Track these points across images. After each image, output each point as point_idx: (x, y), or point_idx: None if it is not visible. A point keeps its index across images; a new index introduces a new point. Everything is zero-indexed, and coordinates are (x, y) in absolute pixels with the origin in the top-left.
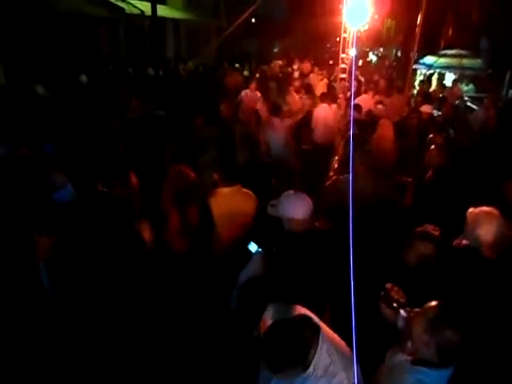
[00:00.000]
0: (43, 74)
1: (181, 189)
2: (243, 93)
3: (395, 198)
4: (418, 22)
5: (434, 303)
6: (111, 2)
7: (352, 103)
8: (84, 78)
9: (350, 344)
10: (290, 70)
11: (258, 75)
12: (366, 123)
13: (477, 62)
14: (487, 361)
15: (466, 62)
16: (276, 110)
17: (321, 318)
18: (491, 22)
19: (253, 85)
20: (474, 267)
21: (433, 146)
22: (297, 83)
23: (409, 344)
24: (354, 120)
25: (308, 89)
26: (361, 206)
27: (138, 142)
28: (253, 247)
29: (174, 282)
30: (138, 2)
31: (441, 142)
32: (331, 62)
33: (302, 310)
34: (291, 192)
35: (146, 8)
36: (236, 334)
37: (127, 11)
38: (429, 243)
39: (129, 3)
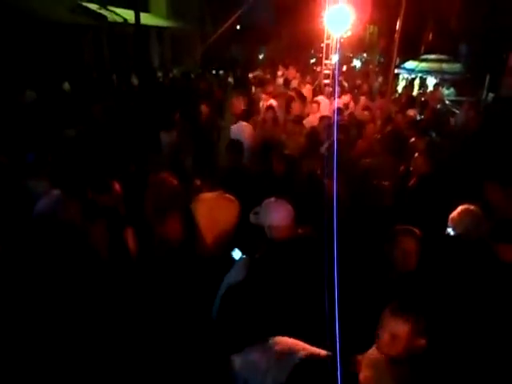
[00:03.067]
0: (26, 81)
1: (163, 196)
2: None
3: (375, 202)
4: (397, 27)
5: (393, 315)
6: (94, 11)
7: (336, 108)
8: (67, 86)
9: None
10: (268, 76)
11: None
12: (350, 127)
13: (456, 67)
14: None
15: (445, 66)
16: (245, 114)
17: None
18: (469, 28)
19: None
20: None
21: (417, 154)
22: (270, 88)
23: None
24: (337, 125)
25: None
26: (341, 210)
27: (120, 147)
28: (237, 254)
29: (158, 289)
30: (121, 10)
31: (424, 147)
32: (315, 68)
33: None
34: (272, 199)
35: (129, 16)
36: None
37: (110, 19)
38: (412, 238)
39: (112, 11)
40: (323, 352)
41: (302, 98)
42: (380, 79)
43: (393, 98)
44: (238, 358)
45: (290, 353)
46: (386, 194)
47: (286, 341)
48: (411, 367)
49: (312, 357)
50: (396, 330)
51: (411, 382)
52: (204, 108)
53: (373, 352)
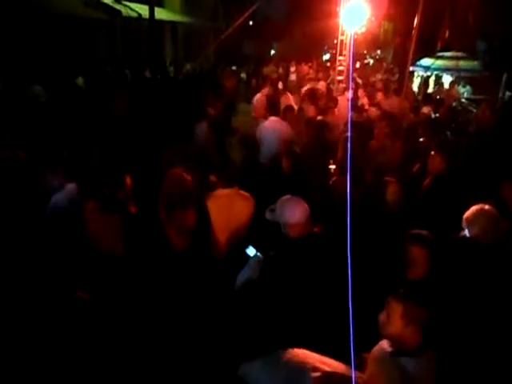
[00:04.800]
0: (40, 76)
1: (176, 192)
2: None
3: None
4: (415, 24)
5: (392, 297)
6: (108, 5)
7: (350, 105)
8: (81, 81)
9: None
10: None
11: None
12: (365, 125)
13: (473, 64)
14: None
15: (462, 64)
16: (274, 108)
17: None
18: (487, 25)
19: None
20: (471, 253)
21: (433, 152)
22: (280, 85)
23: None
24: (353, 122)
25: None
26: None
27: (133, 144)
28: (251, 251)
29: (172, 286)
30: (135, 4)
31: (440, 146)
32: (328, 64)
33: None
34: (288, 196)
35: (144, 11)
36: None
37: (124, 14)
38: (420, 247)
39: (126, 6)
40: (339, 369)
41: (314, 100)
42: (383, 76)
43: (408, 95)
44: (248, 374)
45: (302, 373)
46: (391, 189)
47: (298, 357)
48: (418, 360)
49: (326, 377)
50: (390, 309)
51: (417, 374)
52: (218, 104)
53: (378, 348)
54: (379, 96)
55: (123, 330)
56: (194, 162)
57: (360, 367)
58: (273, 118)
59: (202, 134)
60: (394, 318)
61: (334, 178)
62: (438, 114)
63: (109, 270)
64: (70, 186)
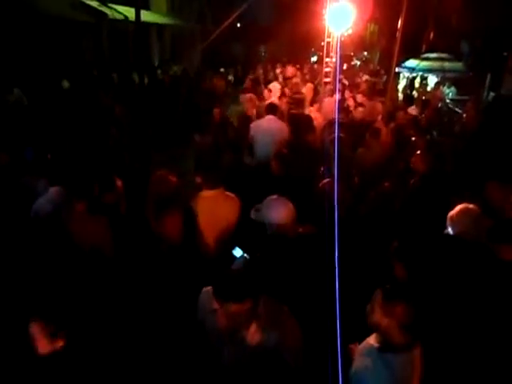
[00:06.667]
0: (25, 78)
1: (163, 194)
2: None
3: (380, 202)
4: (399, 26)
5: (378, 290)
6: (94, 8)
7: (337, 106)
8: (66, 83)
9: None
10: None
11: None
12: (354, 127)
13: (458, 65)
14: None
15: (447, 65)
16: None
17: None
18: (471, 27)
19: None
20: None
21: (418, 152)
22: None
23: (374, 336)
24: (341, 123)
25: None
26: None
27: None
28: (237, 252)
29: (159, 286)
30: (122, 7)
31: (425, 146)
32: (315, 66)
33: None
34: (274, 197)
35: (130, 13)
36: None
37: (110, 17)
38: None
39: (112, 9)
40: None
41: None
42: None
43: (393, 96)
44: None
45: None
46: (396, 197)
47: None
48: (403, 357)
49: None
50: (374, 302)
51: (402, 371)
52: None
53: (365, 344)
54: (359, 97)
55: (113, 331)
56: (192, 166)
57: (347, 358)
58: (269, 117)
59: (200, 140)
60: (376, 311)
61: (324, 181)
62: (423, 115)
63: (98, 271)
64: (53, 190)
